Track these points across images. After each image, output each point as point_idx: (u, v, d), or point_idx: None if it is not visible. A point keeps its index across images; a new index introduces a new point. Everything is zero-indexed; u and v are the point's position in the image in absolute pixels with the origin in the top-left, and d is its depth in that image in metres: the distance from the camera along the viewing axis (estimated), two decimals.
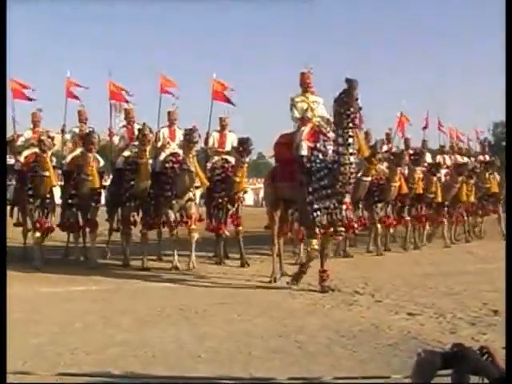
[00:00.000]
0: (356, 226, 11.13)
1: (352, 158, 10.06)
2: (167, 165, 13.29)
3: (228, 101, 14.88)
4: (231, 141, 14.64)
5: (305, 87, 11.44)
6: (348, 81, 9.76)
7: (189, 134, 12.43)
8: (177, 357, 6.54)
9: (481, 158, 21.57)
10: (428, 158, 18.57)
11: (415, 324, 8.21)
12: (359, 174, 14.05)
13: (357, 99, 9.77)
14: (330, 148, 10.41)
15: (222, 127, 15.02)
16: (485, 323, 8.20)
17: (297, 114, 11.15)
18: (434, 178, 17.38)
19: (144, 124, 13.06)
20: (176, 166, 13.06)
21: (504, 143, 21.54)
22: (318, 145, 10.56)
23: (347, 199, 10.58)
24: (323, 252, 10.81)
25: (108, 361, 6.28)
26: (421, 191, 16.94)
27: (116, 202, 13.93)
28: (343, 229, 10.66)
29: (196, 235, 13.22)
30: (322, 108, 11.30)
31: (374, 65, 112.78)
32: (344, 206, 10.47)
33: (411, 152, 17.65)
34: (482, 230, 20.91)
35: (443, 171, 18.44)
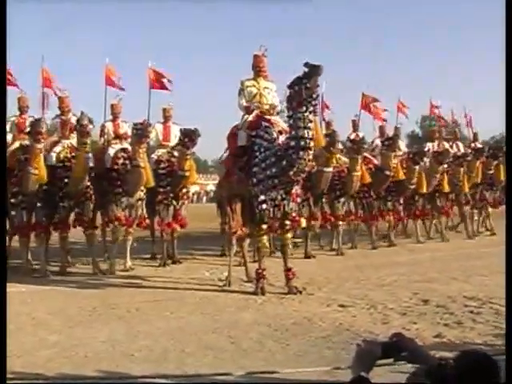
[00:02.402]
0: (302, 220, 10.59)
1: (312, 143, 9.47)
2: (118, 161, 12.58)
3: (165, 87, 14.49)
4: (175, 133, 13.95)
5: (257, 71, 10.84)
6: (311, 66, 9.08)
7: (140, 129, 11.92)
8: (109, 356, 6.49)
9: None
10: (402, 145, 17.90)
11: (347, 316, 8.32)
12: (318, 165, 13.48)
13: (318, 86, 9.37)
14: (274, 134, 10.00)
15: (166, 118, 14.54)
16: (416, 313, 8.40)
17: (243, 102, 10.65)
18: (417, 167, 16.38)
19: (82, 113, 12.16)
20: (127, 162, 12.37)
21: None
22: (261, 132, 10.06)
23: (294, 190, 10.10)
24: (284, 248, 10.45)
25: (40, 363, 6.19)
26: (399, 178, 16.17)
27: (50, 202, 12.59)
28: (289, 223, 10.16)
29: (131, 237, 12.93)
30: (273, 95, 10.79)
31: None
32: (291, 198, 10.02)
33: (381, 139, 17.22)
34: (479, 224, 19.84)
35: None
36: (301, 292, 9.95)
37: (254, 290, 10.02)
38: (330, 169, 14.11)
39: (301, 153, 9.34)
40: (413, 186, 16.54)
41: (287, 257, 10.48)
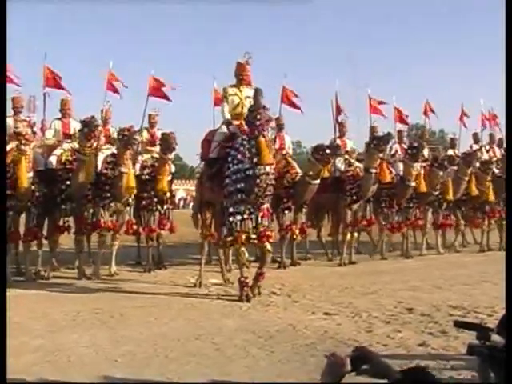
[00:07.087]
0: (270, 235, 10.55)
1: (268, 168, 9.51)
2: (108, 165, 12.35)
3: (165, 97, 14.42)
4: None
5: (240, 79, 10.86)
6: (254, 90, 9.63)
7: (126, 136, 11.80)
8: (93, 361, 6.46)
9: None
10: (425, 152, 16.72)
11: (332, 323, 8.31)
12: (307, 176, 13.52)
13: (264, 107, 9.48)
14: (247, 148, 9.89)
15: (151, 124, 14.57)
16: (400, 321, 8.39)
17: (226, 111, 10.71)
18: (441, 173, 15.68)
19: (93, 117, 12.06)
20: (115, 167, 12.15)
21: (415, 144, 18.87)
22: (237, 145, 9.93)
23: (265, 206, 10.06)
24: (263, 257, 10.46)
25: (22, 368, 6.13)
26: (424, 189, 15.43)
27: (47, 205, 12.43)
28: (255, 237, 9.98)
29: (118, 242, 12.86)
30: None
31: None
32: (261, 213, 9.97)
33: (405, 146, 16.28)
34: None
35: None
36: (248, 300, 9.84)
37: (238, 297, 10.00)
38: (317, 181, 13.78)
39: (257, 180, 9.43)
40: (436, 193, 15.99)
41: (264, 264, 10.45)
